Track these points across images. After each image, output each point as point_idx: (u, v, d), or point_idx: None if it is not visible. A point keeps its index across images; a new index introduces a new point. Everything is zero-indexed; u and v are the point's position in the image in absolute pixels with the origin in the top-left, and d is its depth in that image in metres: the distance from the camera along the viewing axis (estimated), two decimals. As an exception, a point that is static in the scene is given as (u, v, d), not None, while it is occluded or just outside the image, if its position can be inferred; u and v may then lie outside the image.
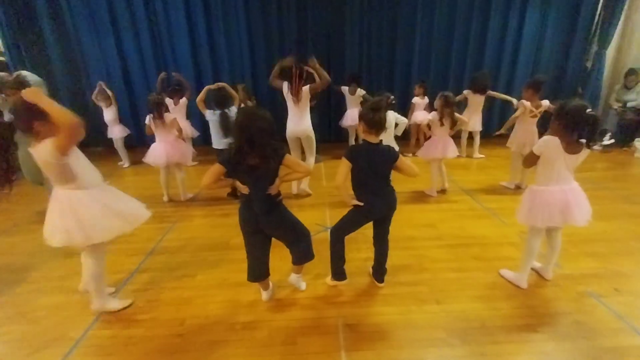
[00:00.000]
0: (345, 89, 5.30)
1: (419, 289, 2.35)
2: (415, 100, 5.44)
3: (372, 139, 2.03)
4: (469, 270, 2.54)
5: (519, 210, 2.26)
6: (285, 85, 3.54)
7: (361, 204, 2.11)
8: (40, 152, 1.73)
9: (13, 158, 1.82)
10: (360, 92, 5.20)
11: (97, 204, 1.91)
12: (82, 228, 1.86)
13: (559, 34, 6.10)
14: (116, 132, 5.28)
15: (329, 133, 6.51)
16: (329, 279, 2.43)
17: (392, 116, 3.64)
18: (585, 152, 2.05)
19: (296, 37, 3.36)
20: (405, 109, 5.49)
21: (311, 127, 3.71)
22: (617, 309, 2.11)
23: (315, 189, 4.17)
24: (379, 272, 2.38)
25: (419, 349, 1.87)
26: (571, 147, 2.03)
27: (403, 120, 3.73)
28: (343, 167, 2.06)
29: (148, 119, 3.67)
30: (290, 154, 2.21)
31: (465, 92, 5.23)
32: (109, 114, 5.19)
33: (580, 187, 2.15)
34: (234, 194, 3.92)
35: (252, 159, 1.79)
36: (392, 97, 3.63)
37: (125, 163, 5.46)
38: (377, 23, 6.03)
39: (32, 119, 1.71)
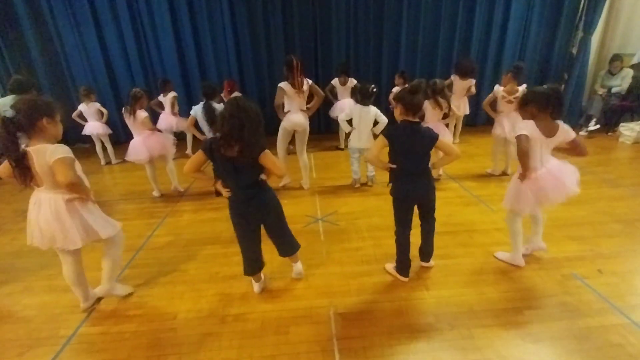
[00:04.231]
0: (335, 81, 5.27)
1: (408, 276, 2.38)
2: (396, 89, 5.42)
3: (411, 118, 2.03)
4: (456, 256, 2.59)
5: (506, 196, 2.31)
6: (287, 86, 3.47)
7: (394, 166, 2.11)
8: (49, 153, 1.74)
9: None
10: (352, 81, 5.18)
11: (85, 206, 1.98)
12: (82, 228, 1.94)
13: (545, 21, 6.13)
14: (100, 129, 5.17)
15: (318, 125, 6.49)
16: (389, 265, 2.44)
17: (372, 111, 3.65)
18: (562, 132, 2.10)
19: (285, 58, 3.42)
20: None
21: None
22: (601, 290, 2.18)
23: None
24: (423, 251, 2.41)
25: (409, 333, 1.91)
26: (548, 129, 2.09)
27: (383, 121, 3.68)
28: (379, 143, 2.08)
29: (124, 112, 3.61)
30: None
31: (452, 77, 5.23)
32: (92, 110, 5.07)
33: (557, 160, 2.21)
34: (217, 192, 3.90)
35: (230, 150, 1.79)
36: (373, 86, 3.66)
37: (112, 160, 5.39)
38: (363, 16, 5.98)
39: (40, 115, 1.73)
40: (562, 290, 2.20)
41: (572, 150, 2.17)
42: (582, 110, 6.27)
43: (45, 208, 1.85)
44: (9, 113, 1.71)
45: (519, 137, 2.09)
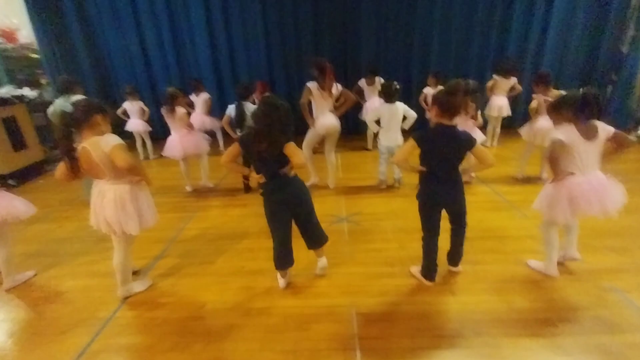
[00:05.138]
0: (362, 82, 5.24)
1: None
2: (427, 90, 5.26)
3: (446, 122, 1.96)
4: (485, 263, 2.51)
5: (538, 199, 2.22)
6: (314, 86, 3.52)
7: (424, 169, 2.07)
8: (104, 143, 1.92)
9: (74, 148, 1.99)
10: (379, 80, 5.13)
11: (143, 196, 2.15)
12: (139, 216, 2.10)
13: (591, 16, 5.74)
14: (141, 126, 5.46)
15: (346, 125, 6.47)
16: (414, 268, 2.42)
17: (400, 108, 3.62)
18: (604, 132, 1.99)
19: (314, 59, 3.47)
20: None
21: None
22: (642, 305, 2.04)
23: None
24: (452, 256, 2.37)
25: (431, 338, 1.88)
26: (588, 132, 1.99)
27: (412, 115, 3.67)
28: (408, 146, 2.02)
29: (163, 110, 3.80)
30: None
31: (494, 77, 5.02)
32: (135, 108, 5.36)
33: (602, 174, 2.09)
34: (246, 188, 4.03)
35: (260, 144, 1.92)
36: (396, 82, 3.62)
37: (150, 155, 5.67)
38: (394, 12, 5.90)
39: (96, 111, 1.97)
40: (599, 303, 2.08)
41: (617, 144, 2.05)
42: (632, 114, 5.84)
43: (109, 197, 2.03)
44: (69, 108, 1.98)
45: (553, 142, 2.00)
